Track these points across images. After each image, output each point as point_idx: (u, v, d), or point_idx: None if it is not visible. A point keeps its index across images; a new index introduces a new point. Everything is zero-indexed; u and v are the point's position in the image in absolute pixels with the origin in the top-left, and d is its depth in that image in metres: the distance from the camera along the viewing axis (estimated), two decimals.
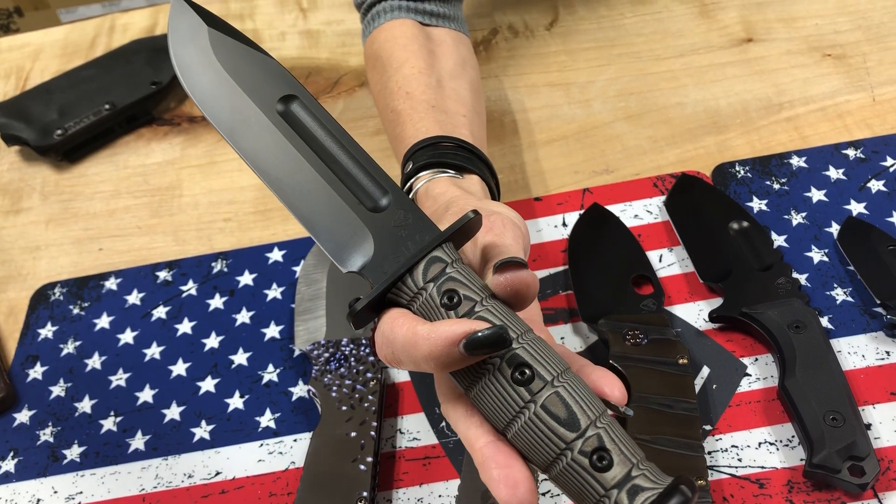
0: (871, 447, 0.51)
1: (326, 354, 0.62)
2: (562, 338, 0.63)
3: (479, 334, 0.35)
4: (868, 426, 0.55)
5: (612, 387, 0.38)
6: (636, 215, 0.70)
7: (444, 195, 0.50)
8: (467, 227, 0.40)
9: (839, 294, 0.62)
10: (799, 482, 0.53)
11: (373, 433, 0.57)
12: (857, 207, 0.67)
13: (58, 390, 0.67)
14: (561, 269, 0.67)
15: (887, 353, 0.58)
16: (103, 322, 0.70)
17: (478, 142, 0.59)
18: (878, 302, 0.60)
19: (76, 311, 0.72)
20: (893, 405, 0.56)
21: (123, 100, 0.86)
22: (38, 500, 0.60)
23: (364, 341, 0.62)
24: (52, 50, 0.99)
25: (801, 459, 0.54)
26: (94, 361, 0.68)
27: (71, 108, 0.85)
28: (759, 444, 0.55)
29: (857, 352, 0.59)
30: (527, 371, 0.36)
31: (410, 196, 0.53)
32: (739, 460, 0.55)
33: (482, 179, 0.55)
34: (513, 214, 0.45)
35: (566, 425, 0.35)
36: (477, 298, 0.38)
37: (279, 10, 0.99)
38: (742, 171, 0.71)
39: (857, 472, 0.51)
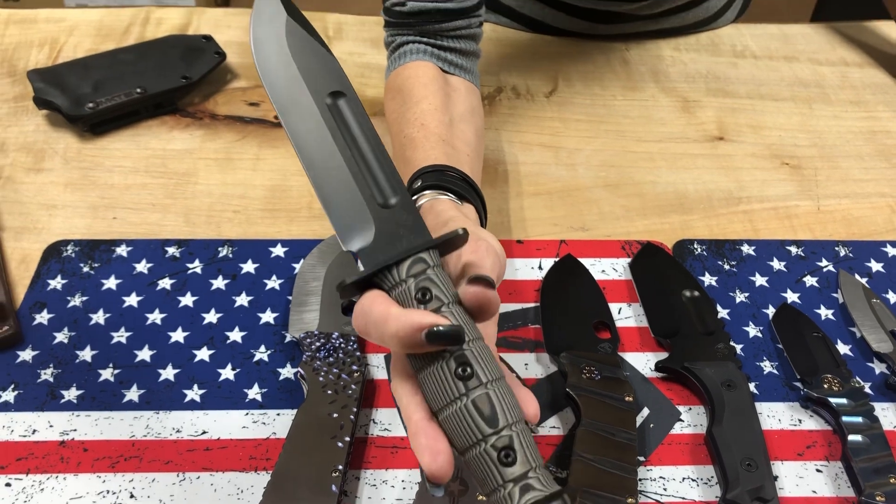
0: (776, 494, 0.61)
1: (317, 344, 0.69)
2: (525, 364, 0.71)
3: (440, 328, 0.41)
4: (776, 477, 0.64)
5: (529, 405, 0.45)
6: (603, 270, 0.79)
7: (446, 213, 0.57)
8: (454, 240, 0.46)
9: (767, 366, 0.72)
10: None
11: (352, 417, 0.64)
12: (792, 296, 0.78)
13: (61, 337, 0.72)
14: (532, 305, 0.76)
15: (800, 420, 0.68)
16: (111, 283, 0.76)
17: (476, 180, 0.68)
18: (798, 377, 0.70)
19: (86, 269, 0.77)
20: (798, 464, 0.65)
21: (154, 87, 0.92)
22: (34, 431, 0.65)
23: (353, 338, 0.70)
24: (87, 29, 1.05)
25: (717, 497, 0.63)
26: (99, 317, 0.74)
27: (105, 86, 0.91)
28: (683, 478, 0.64)
29: (775, 415, 0.68)
30: (468, 369, 0.42)
31: None
32: (665, 489, 0.63)
33: (476, 210, 0.63)
34: (497, 246, 0.52)
35: (487, 421, 0.41)
36: (445, 301, 0.44)
37: None
38: (699, 249, 0.82)
39: None
